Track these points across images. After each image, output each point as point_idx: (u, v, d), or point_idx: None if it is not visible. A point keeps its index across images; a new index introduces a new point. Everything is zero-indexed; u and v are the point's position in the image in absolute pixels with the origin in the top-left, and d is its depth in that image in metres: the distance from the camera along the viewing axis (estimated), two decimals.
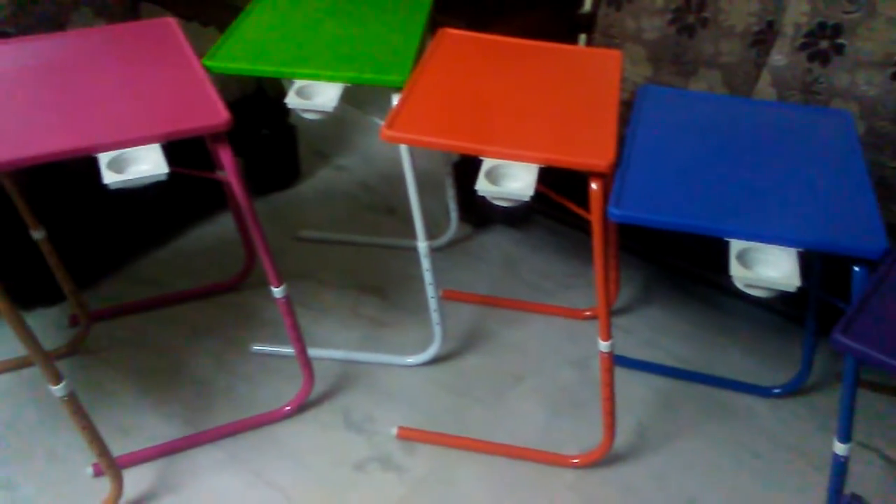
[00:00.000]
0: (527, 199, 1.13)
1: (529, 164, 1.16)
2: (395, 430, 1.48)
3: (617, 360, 1.66)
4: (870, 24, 1.59)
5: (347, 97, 1.32)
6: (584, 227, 1.25)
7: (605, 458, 1.45)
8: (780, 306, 1.77)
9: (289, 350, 1.55)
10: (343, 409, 1.54)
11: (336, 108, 1.29)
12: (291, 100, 1.28)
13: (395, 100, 1.29)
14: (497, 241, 2.00)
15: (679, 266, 1.89)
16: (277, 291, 1.34)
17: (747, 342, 1.73)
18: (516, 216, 2.05)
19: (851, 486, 1.41)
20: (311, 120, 1.32)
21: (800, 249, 1.03)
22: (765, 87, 1.74)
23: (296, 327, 1.40)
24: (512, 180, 1.16)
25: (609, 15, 1.90)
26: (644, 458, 1.47)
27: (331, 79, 1.31)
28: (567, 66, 1.40)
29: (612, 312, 1.80)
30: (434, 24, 1.55)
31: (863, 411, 1.56)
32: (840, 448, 1.14)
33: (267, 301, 1.41)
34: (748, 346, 1.72)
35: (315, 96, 1.30)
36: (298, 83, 1.31)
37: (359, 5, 1.56)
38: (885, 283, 0.96)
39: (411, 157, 1.40)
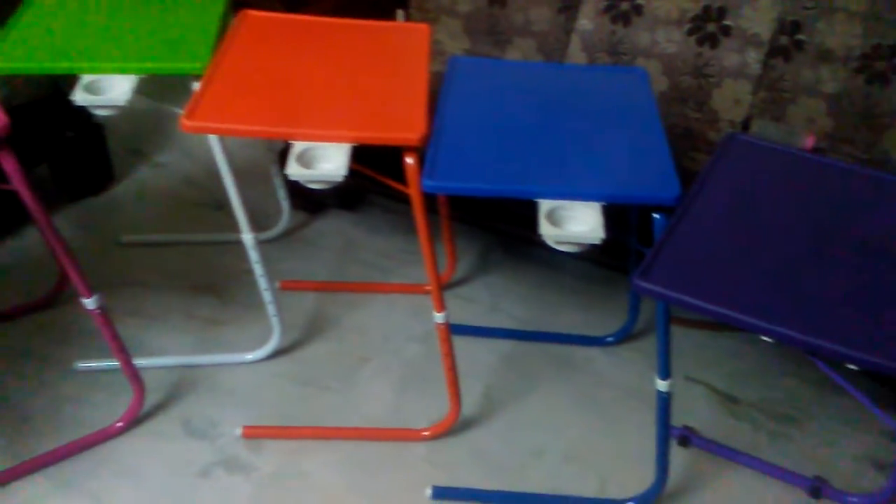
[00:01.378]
0: (340, 179, 1.11)
1: (341, 144, 1.14)
2: (239, 431, 1.44)
3: (460, 330, 1.69)
4: None
5: (162, 89, 1.25)
6: None
7: (455, 426, 1.47)
8: (609, 260, 1.85)
9: (116, 364, 1.46)
10: (182, 417, 1.47)
11: (130, 102, 1.21)
12: (79, 96, 1.19)
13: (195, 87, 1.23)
14: (334, 226, 1.97)
15: (513, 231, 1.94)
16: (89, 303, 1.26)
17: (581, 297, 1.81)
18: (351, 199, 2.03)
19: (683, 418, 1.52)
20: (107, 116, 1.24)
21: (602, 203, 1.07)
22: (576, 52, 1.81)
23: (116, 339, 1.32)
24: (325, 162, 1.14)
25: None
26: (492, 420, 1.51)
27: (121, 71, 1.23)
28: (376, 43, 1.39)
29: (452, 283, 1.83)
30: (243, 5, 1.49)
31: (689, 348, 1.68)
32: (661, 385, 1.21)
33: (88, 314, 1.33)
34: (582, 301, 1.80)
35: (106, 91, 1.22)
36: (86, 78, 1.22)
37: None
38: (681, 227, 1.02)
39: (225, 148, 1.34)
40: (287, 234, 1.92)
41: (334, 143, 1.14)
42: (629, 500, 1.36)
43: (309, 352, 1.63)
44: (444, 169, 1.11)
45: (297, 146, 1.14)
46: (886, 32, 1.54)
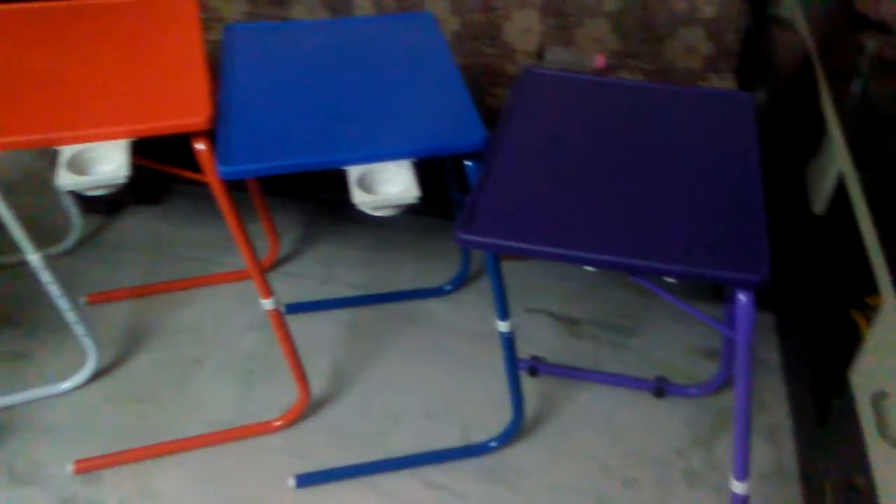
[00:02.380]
0: (123, 180, 1.00)
1: (118, 142, 1.03)
2: (70, 467, 1.31)
3: (296, 308, 1.62)
4: None
5: None
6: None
7: (308, 409, 1.42)
8: (435, 209, 1.84)
9: None
10: (4, 465, 1.32)
11: None
12: None
13: None
14: (138, 225, 1.82)
15: (334, 197, 1.87)
16: None
17: (414, 252, 1.79)
18: (150, 191, 1.87)
19: (530, 348, 1.55)
20: None
21: (412, 160, 1.04)
22: (362, 2, 1.74)
23: None
24: (102, 164, 1.02)
25: None
26: (345, 394, 1.47)
27: None
28: (137, 21, 1.25)
29: (279, 261, 1.75)
30: None
31: (523, 280, 1.71)
32: (502, 326, 1.22)
33: None
34: (416, 256, 1.78)
35: None
36: None
37: None
38: (492, 172, 1.00)
39: None
40: (84, 242, 1.75)
41: (109, 142, 1.02)
42: (491, 440, 1.38)
43: (133, 366, 1.50)
44: (240, 151, 1.02)
45: (66, 151, 1.01)
46: None
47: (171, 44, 1.19)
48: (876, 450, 1.00)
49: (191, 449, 1.36)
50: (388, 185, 1.03)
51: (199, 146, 1.07)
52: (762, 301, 1.07)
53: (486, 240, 0.91)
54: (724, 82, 1.67)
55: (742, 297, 0.90)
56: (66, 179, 0.98)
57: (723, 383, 1.49)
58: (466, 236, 0.91)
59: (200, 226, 1.82)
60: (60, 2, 1.27)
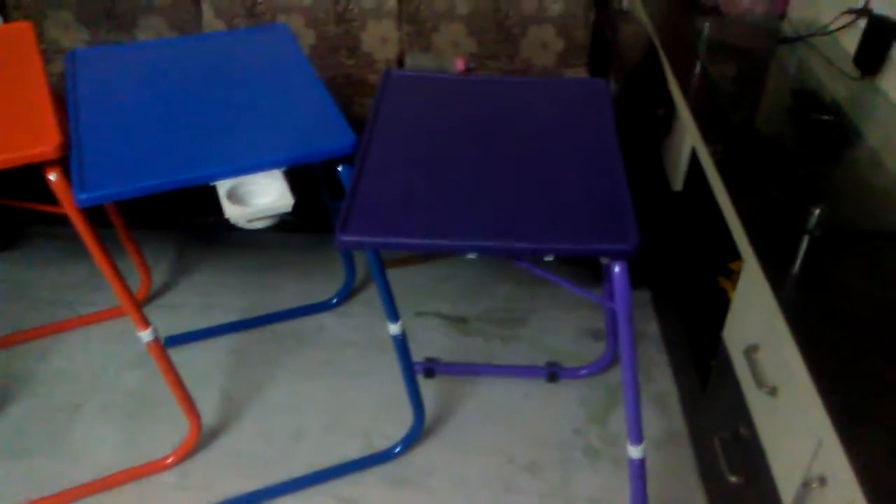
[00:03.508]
0: None
1: None
2: None
3: (177, 340, 1.56)
4: None
5: None
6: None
7: (201, 440, 1.37)
8: (313, 224, 1.81)
9: None
10: None
11: None
12: None
13: None
14: None
15: (203, 221, 1.81)
16: None
17: (296, 269, 1.76)
18: (5, 235, 1.75)
19: (423, 351, 1.56)
20: None
21: (283, 169, 1.02)
22: (211, 21, 1.70)
23: None
24: None
25: None
26: (240, 420, 1.43)
27: None
28: None
29: (153, 294, 1.67)
30: None
31: (409, 285, 1.72)
32: (393, 328, 1.22)
33: None
34: (298, 273, 1.75)
35: None
36: None
37: None
38: (364, 173, 1.00)
39: None
40: None
41: None
42: (394, 446, 1.37)
43: (6, 419, 1.40)
44: (97, 176, 0.97)
45: None
46: None
47: (12, 76, 1.12)
48: (754, 399, 1.07)
49: (81, 498, 1.27)
50: (261, 196, 1.01)
51: (52, 176, 1.01)
52: (637, 278, 1.12)
53: (365, 238, 0.90)
54: (578, 76, 1.75)
55: (616, 268, 0.94)
56: None
57: (610, 361, 1.55)
58: (346, 237, 0.90)
59: (62, 268, 1.72)
60: None
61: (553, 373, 1.53)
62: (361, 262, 1.76)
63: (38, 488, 1.29)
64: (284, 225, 1.78)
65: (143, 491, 1.30)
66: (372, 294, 1.71)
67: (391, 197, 0.97)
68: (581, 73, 1.76)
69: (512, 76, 1.71)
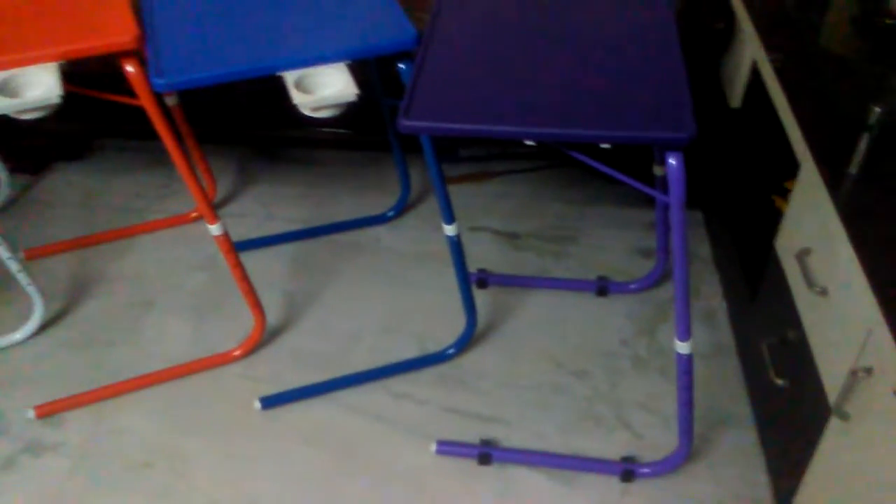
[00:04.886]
0: (56, 101, 0.99)
1: (48, 64, 1.01)
2: (32, 413, 1.30)
3: (241, 246, 1.63)
4: None
5: None
6: (150, 135, 1.16)
7: (265, 336, 1.44)
8: (366, 138, 1.85)
9: None
10: None
11: None
12: None
13: None
14: (66, 181, 1.78)
15: (264, 136, 1.87)
16: None
17: (352, 184, 1.81)
18: (75, 148, 1.83)
19: (476, 263, 1.60)
20: None
21: (347, 62, 1.06)
22: None
23: None
24: (33, 89, 1.00)
25: None
26: (301, 320, 1.49)
27: None
28: None
29: (218, 203, 1.74)
30: None
31: (463, 203, 1.75)
32: (448, 229, 1.26)
33: None
34: (354, 187, 1.80)
35: None
36: None
37: None
38: (425, 67, 1.03)
39: None
40: (13, 201, 1.71)
41: (39, 66, 1.01)
42: (448, 348, 1.43)
43: (83, 313, 1.49)
44: (172, 63, 1.02)
45: None
46: None
47: None
48: (804, 301, 1.09)
49: (152, 385, 1.36)
50: (326, 88, 1.04)
51: (129, 67, 1.06)
52: (690, 199, 1.13)
53: (426, 124, 0.94)
54: None
55: (672, 160, 0.95)
56: None
57: (660, 277, 1.57)
58: (408, 122, 0.93)
59: (129, 177, 1.79)
60: None
61: (603, 287, 1.55)
62: (416, 178, 1.80)
63: (114, 375, 1.38)
64: (341, 141, 1.83)
65: (212, 380, 1.38)
66: (425, 209, 1.75)
67: (451, 88, 0.99)
68: None
69: None
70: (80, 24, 1.07)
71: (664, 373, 1.41)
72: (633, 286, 1.56)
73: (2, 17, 1.07)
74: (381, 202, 1.75)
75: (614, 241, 1.68)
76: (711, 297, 1.55)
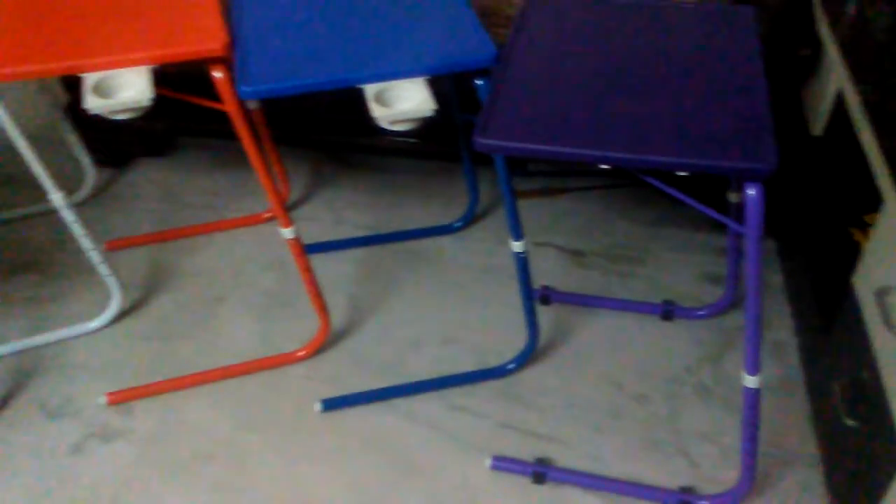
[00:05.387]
0: (147, 104, 1.03)
1: (139, 68, 1.06)
2: (103, 399, 1.35)
3: (310, 249, 1.65)
4: None
5: None
6: (230, 135, 1.20)
7: (329, 340, 1.46)
8: (436, 148, 1.87)
9: None
10: (36, 402, 1.36)
11: None
12: None
13: None
14: (147, 175, 1.85)
15: (337, 141, 1.90)
16: None
17: (421, 193, 1.83)
18: (158, 144, 1.90)
19: (540, 279, 1.59)
20: None
21: (426, 77, 1.07)
22: None
23: None
24: (124, 90, 1.05)
25: None
26: (364, 325, 1.51)
27: None
28: None
29: (290, 205, 1.78)
30: None
31: (529, 217, 1.75)
32: (516, 246, 1.26)
33: None
34: (422, 196, 1.82)
35: None
36: None
37: None
38: (504, 85, 1.04)
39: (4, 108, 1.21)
40: (96, 193, 1.78)
41: (131, 69, 1.05)
42: (508, 363, 1.43)
43: (156, 306, 1.54)
44: (259, 72, 1.05)
45: (91, 78, 1.04)
46: None
47: None
48: (881, 342, 1.05)
49: (219, 379, 1.40)
50: (404, 102, 1.06)
51: (217, 73, 1.09)
52: (764, 227, 1.11)
53: (502, 143, 0.94)
54: None
55: (751, 191, 0.93)
56: (93, 102, 1.01)
57: (729, 304, 1.53)
58: (484, 140, 0.94)
59: (208, 175, 1.85)
60: None
61: (668, 311, 1.53)
62: (484, 190, 1.80)
63: (183, 368, 1.42)
64: (412, 150, 1.85)
65: (276, 378, 1.41)
66: (492, 222, 1.76)
67: (528, 107, 1.00)
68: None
69: None
70: (172, 29, 1.11)
71: (728, 403, 1.38)
72: (700, 312, 1.54)
73: (99, 21, 1.12)
74: (449, 212, 1.76)
75: (683, 265, 1.65)
76: (782, 329, 1.51)
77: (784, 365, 1.44)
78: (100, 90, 1.03)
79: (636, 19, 1.19)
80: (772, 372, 1.42)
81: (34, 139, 1.27)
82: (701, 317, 1.54)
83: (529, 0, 1.24)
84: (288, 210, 1.76)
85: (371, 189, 1.83)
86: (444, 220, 1.74)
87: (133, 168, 1.86)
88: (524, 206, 1.78)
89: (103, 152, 1.79)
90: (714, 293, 1.58)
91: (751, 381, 1.08)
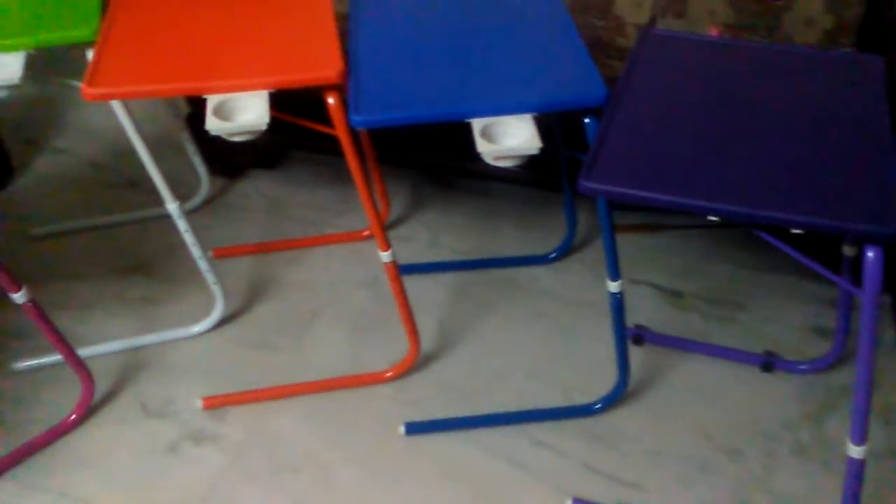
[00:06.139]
0: (264, 128, 1.07)
1: (259, 92, 1.10)
2: (199, 403, 1.40)
3: (404, 270, 1.67)
4: None
5: (49, 65, 1.18)
6: (336, 152, 1.23)
7: (417, 363, 1.47)
8: (537, 177, 1.86)
9: (58, 357, 1.40)
10: (138, 400, 1.43)
11: (23, 80, 1.13)
12: None
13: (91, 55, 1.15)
14: (257, 187, 1.92)
15: (440, 164, 1.92)
16: (18, 297, 1.19)
17: (518, 219, 1.82)
18: (270, 156, 1.96)
19: (634, 318, 1.56)
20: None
21: (533, 114, 1.07)
22: None
23: (54, 331, 1.26)
24: (244, 113, 1.09)
25: None
26: (452, 351, 1.52)
27: (9, 48, 1.15)
28: None
29: (388, 225, 1.81)
30: None
31: (627, 252, 1.71)
32: (612, 286, 1.24)
33: (17, 312, 1.26)
34: (519, 223, 1.81)
35: None
36: None
37: None
38: (613, 126, 1.02)
39: (131, 117, 1.28)
40: (209, 201, 1.86)
41: (251, 92, 1.09)
42: (595, 402, 1.40)
43: (255, 315, 1.59)
44: (370, 102, 1.07)
45: (213, 100, 1.08)
46: None
47: (304, 2, 1.26)
48: None
49: (309, 393, 1.43)
50: (511, 137, 1.06)
51: (331, 99, 1.12)
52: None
53: (608, 188, 0.93)
54: None
55: (870, 253, 0.89)
56: (214, 124, 1.05)
57: (835, 361, 1.46)
58: (589, 184, 0.93)
59: (312, 190, 1.90)
60: None
61: (769, 362, 1.47)
62: (582, 221, 1.78)
63: (275, 377, 1.46)
64: (512, 177, 1.84)
65: (363, 397, 1.43)
66: (588, 255, 1.73)
67: (637, 150, 0.98)
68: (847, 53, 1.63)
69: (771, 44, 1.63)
70: (291, 55, 1.15)
71: (827, 466, 1.31)
72: (803, 367, 1.47)
73: (222, 46, 1.17)
74: (545, 242, 1.75)
75: (787, 314, 1.58)
76: (891, 391, 1.42)
77: (892, 430, 1.35)
78: (220, 112, 1.08)
79: (754, 63, 1.15)
80: (878, 437, 1.34)
81: (155, 145, 1.34)
82: (804, 371, 1.47)
83: (643, 37, 1.22)
84: (386, 228, 1.80)
85: (469, 213, 1.84)
86: (540, 250, 1.73)
87: (245, 178, 1.94)
88: (622, 240, 1.75)
89: (219, 163, 1.87)
90: (819, 346, 1.51)
91: (856, 451, 1.02)
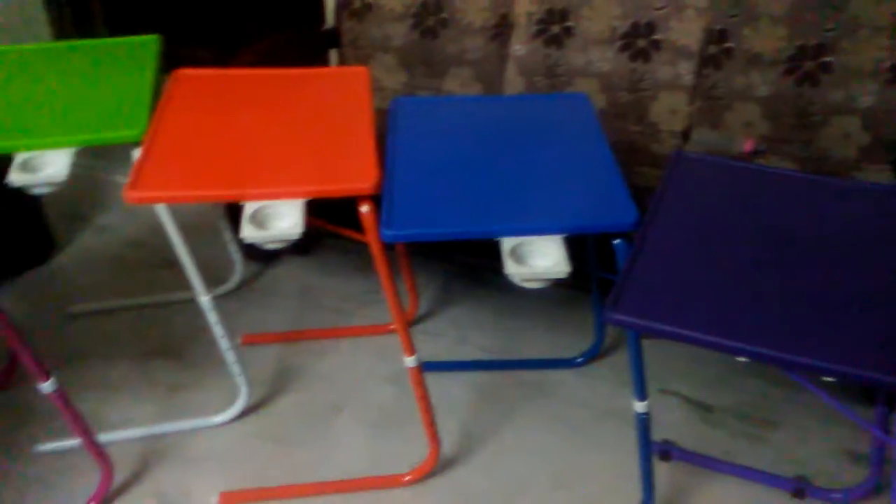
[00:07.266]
0: (298, 236, 1.09)
1: (294, 200, 1.12)
2: (215, 499, 1.39)
3: (430, 367, 1.67)
4: (591, 5, 1.71)
5: (95, 151, 1.22)
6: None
7: (436, 467, 1.45)
8: (570, 280, 1.85)
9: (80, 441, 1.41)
10: (156, 490, 1.42)
11: (68, 176, 1.17)
12: (15, 177, 1.15)
13: (136, 155, 1.19)
14: (289, 273, 1.94)
15: (471, 262, 1.93)
16: (46, 387, 1.21)
17: (547, 321, 1.81)
18: (305, 243, 1.99)
19: (662, 431, 1.52)
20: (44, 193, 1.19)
21: (563, 235, 1.07)
22: (513, 77, 1.82)
23: (77, 419, 1.27)
24: (279, 219, 1.11)
25: (353, 28, 1.89)
26: (473, 455, 1.49)
27: (57, 145, 1.19)
28: (315, 91, 1.37)
29: (416, 319, 1.81)
30: (176, 59, 1.46)
31: (658, 360, 1.68)
32: (639, 406, 1.22)
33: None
34: (548, 325, 1.80)
35: (42, 168, 1.17)
36: (20, 157, 1.17)
37: (79, 58, 1.43)
38: (642, 253, 1.02)
39: (170, 209, 1.31)
40: (242, 285, 1.88)
41: (287, 200, 1.12)
42: None
43: (278, 407, 1.59)
44: (402, 216, 1.09)
45: (249, 206, 1.11)
46: (809, 33, 1.59)
47: (346, 113, 1.30)
48: None
49: (326, 493, 1.41)
50: (538, 256, 1.07)
51: (365, 209, 1.14)
52: None
53: (635, 321, 0.92)
54: (880, 174, 1.62)
55: None
56: (249, 232, 1.08)
57: (870, 491, 1.40)
58: (616, 315, 0.92)
59: (343, 280, 1.92)
60: (260, 69, 1.40)
61: (800, 488, 1.41)
62: (612, 326, 1.76)
63: (294, 474, 1.45)
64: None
65: (380, 499, 1.41)
66: (617, 360, 1.71)
67: (666, 281, 0.97)
68: (883, 170, 1.63)
69: (804, 166, 1.63)
70: (330, 164, 1.18)
71: None
72: (836, 495, 1.41)
73: (263, 151, 1.21)
74: (574, 344, 1.73)
75: (820, 436, 1.53)
76: None
77: None
78: (256, 217, 1.10)
79: (788, 192, 1.15)
80: None
81: (194, 228, 1.36)
82: (837, 500, 1.41)
83: (676, 161, 1.23)
84: (414, 323, 1.80)
85: (498, 311, 1.84)
86: (568, 352, 1.71)
87: (278, 264, 1.96)
88: (651, 347, 1.72)
89: (254, 249, 1.90)
90: (853, 473, 1.46)
91: None
